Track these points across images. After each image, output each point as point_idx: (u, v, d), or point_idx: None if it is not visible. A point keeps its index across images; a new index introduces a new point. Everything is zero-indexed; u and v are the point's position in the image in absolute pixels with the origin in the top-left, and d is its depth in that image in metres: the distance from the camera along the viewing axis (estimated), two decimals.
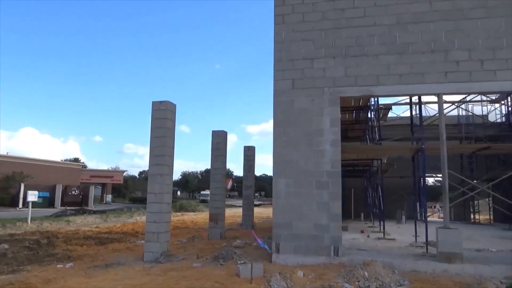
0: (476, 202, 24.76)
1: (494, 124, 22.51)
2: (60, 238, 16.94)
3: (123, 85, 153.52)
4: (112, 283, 8.40)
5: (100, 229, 21.83)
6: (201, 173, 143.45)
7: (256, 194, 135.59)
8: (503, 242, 13.07)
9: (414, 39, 9.83)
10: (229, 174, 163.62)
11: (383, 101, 16.77)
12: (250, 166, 20.45)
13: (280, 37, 10.67)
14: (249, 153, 20.55)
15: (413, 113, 12.93)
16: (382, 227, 13.65)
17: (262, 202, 78.76)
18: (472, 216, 24.75)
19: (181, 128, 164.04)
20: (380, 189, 15.01)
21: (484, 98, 22.11)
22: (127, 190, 78.49)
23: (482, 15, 9.49)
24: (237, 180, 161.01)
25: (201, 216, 35.41)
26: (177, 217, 33.33)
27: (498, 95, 21.04)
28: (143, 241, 16.58)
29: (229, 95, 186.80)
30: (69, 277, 9.01)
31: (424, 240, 12.18)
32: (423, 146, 10.64)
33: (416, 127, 11.29)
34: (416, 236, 12.17)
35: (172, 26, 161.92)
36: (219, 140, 15.85)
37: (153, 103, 11.40)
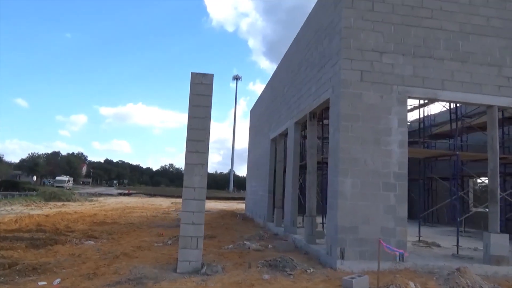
0: None
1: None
2: None
3: None
4: None
5: None
6: (48, 155, 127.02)
7: (115, 182, 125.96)
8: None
9: (474, 50, 10.16)
10: (82, 158, 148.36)
11: None
12: None
13: (349, 22, 9.74)
14: None
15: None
16: None
17: (127, 191, 73.43)
18: None
19: (17, 102, 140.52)
20: None
21: None
22: None
23: None
24: (92, 165, 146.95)
25: (96, 208, 30.65)
26: (61, 209, 28.08)
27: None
28: (91, 242, 13.55)
29: (81, 70, 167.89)
30: None
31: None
32: (458, 153, 11.16)
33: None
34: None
35: None
36: None
37: (193, 75, 9.12)
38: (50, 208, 29.49)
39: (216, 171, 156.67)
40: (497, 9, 10.36)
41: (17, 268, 9.01)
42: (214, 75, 9.25)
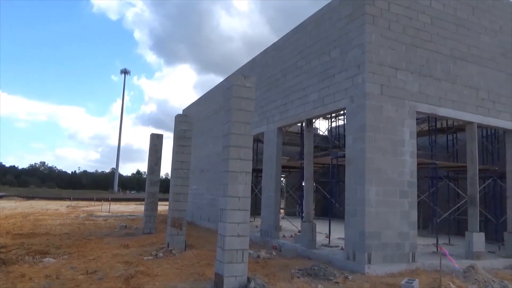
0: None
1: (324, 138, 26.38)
2: None
3: None
4: None
5: None
6: None
7: None
8: None
9: (460, 73, 11.62)
10: None
11: None
12: (158, 158, 17.07)
13: (371, 37, 10.23)
14: (157, 142, 17.15)
15: None
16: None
17: (3, 194, 63.50)
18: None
19: None
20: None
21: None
22: None
23: (495, 67, 12.29)
24: None
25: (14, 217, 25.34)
26: None
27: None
28: (51, 259, 11.63)
29: None
30: None
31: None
32: (436, 162, 12.57)
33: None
34: None
35: None
36: (186, 127, 12.83)
37: (235, 77, 8.52)
38: None
39: (96, 170, 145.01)
40: (474, 39, 12.02)
41: None
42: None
